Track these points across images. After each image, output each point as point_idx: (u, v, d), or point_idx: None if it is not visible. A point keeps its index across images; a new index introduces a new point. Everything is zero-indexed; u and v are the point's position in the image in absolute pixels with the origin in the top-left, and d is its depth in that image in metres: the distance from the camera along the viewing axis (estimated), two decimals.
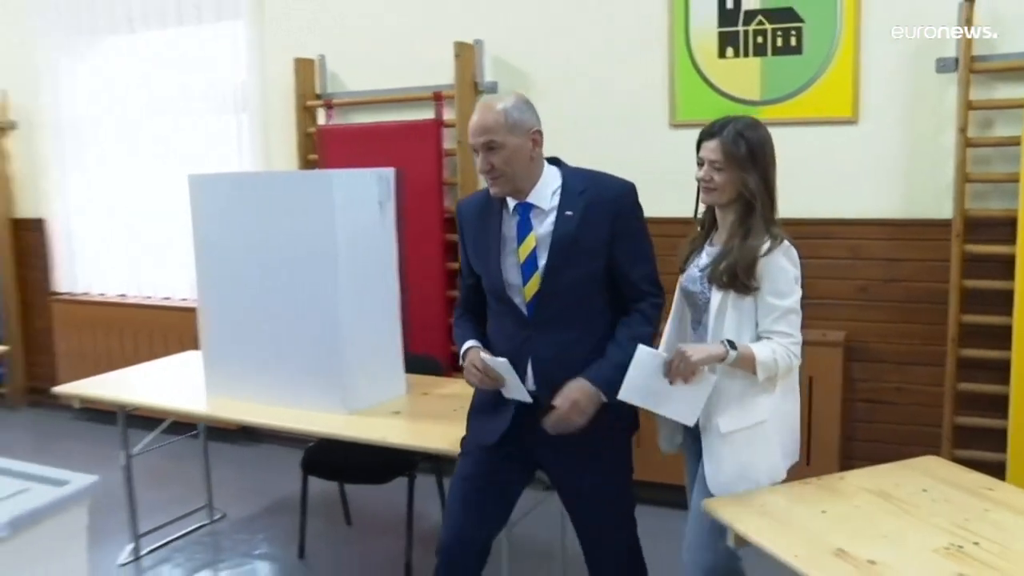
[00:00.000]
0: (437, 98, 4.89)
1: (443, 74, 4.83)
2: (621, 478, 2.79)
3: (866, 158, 4.14)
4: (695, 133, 2.69)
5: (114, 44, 6.05)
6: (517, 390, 2.61)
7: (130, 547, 4.17)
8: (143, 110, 5.98)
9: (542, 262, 2.58)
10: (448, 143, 4.89)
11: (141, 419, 4.13)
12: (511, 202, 2.63)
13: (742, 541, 2.35)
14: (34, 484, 1.60)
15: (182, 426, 4.29)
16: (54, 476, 1.61)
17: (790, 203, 3.99)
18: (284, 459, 5.24)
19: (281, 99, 5.38)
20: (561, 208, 2.58)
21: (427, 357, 4.07)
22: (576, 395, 2.54)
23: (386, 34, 5.11)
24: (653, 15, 4.43)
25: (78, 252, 6.40)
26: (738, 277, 2.51)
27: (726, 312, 2.57)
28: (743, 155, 2.52)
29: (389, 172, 3.51)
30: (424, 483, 3.85)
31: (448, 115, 4.88)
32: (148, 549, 4.21)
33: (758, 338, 2.56)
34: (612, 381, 2.53)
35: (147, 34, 5.88)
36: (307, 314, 3.44)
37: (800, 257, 2.60)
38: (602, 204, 2.58)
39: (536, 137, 2.58)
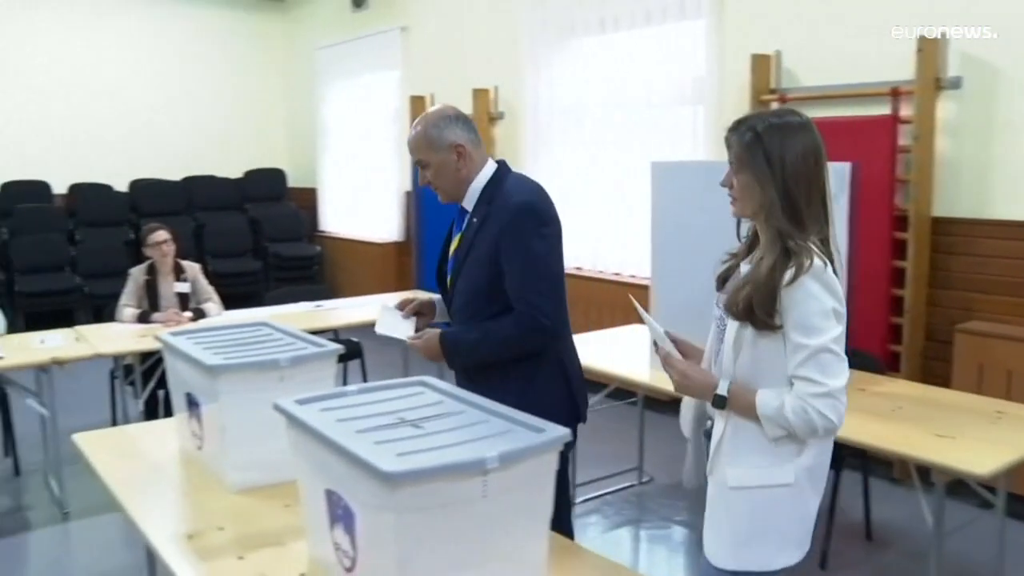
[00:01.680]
0: (894, 94, 4.71)
1: (902, 69, 4.65)
2: None
3: None
4: None
5: (587, 44, 6.52)
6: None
7: None
8: (608, 103, 6.37)
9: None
10: (903, 140, 4.68)
11: (589, 382, 4.43)
12: None
13: None
14: (517, 427, 1.81)
15: (623, 392, 4.56)
16: (533, 423, 1.80)
17: None
18: None
19: (736, 93, 5.47)
20: (471, 215, 2.62)
21: (866, 353, 3.97)
22: (428, 335, 2.66)
23: (844, 29, 5.01)
24: None
25: None
26: (755, 311, 1.97)
27: (741, 349, 2.04)
28: (757, 158, 1.99)
29: (844, 166, 3.45)
30: (849, 478, 3.79)
31: (905, 111, 4.68)
32: (582, 498, 4.52)
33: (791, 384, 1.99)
34: (456, 340, 2.64)
35: (616, 35, 6.26)
36: None
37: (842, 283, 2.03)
38: (498, 215, 2.54)
39: (460, 150, 2.58)
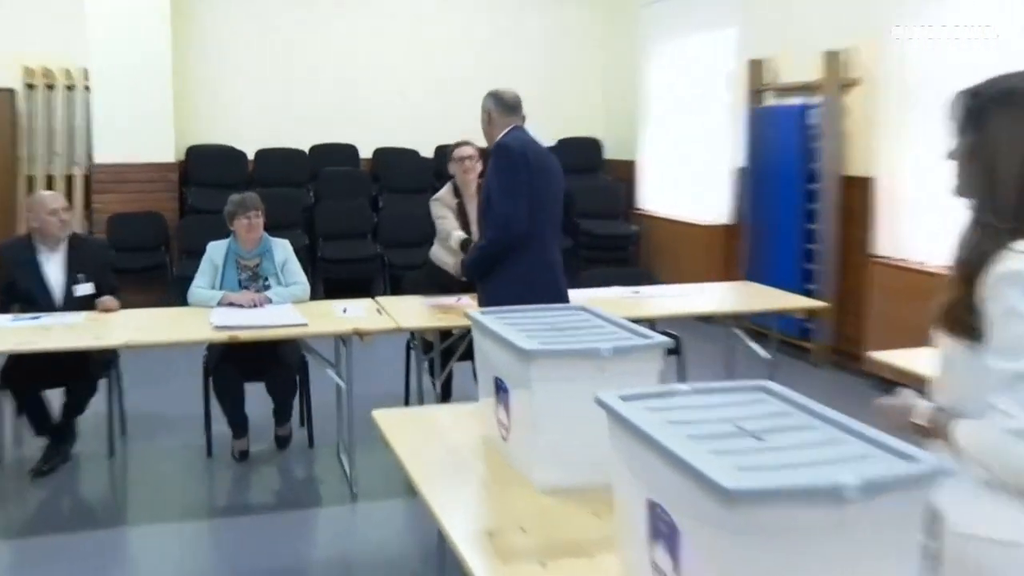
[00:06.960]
0: None
1: None
2: None
3: None
4: None
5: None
6: None
7: None
8: (990, 65, 5.86)
9: None
10: None
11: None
12: None
13: None
14: (880, 451, 1.66)
15: None
16: (900, 448, 1.64)
17: None
18: None
19: None
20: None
21: None
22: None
23: None
24: None
25: (904, 216, 6.54)
26: (960, 319, 1.83)
27: (954, 366, 1.90)
28: (976, 131, 1.86)
29: None
30: None
31: None
32: None
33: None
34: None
35: None
36: None
37: None
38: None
39: (487, 115, 4.57)
